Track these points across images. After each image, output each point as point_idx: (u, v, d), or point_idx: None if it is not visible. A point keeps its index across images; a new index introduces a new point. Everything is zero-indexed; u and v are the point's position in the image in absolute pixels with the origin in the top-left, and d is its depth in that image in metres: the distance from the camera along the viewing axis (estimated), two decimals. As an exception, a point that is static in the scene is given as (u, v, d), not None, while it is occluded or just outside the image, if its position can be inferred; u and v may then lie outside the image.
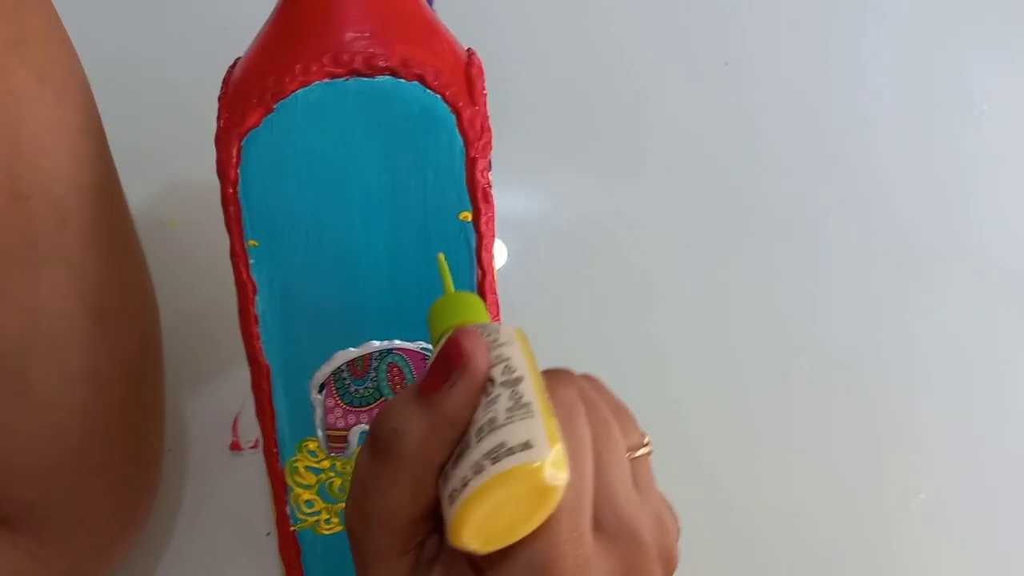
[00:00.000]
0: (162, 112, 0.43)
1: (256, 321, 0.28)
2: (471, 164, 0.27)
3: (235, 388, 0.42)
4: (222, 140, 0.27)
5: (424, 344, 0.29)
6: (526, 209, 0.44)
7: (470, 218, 0.27)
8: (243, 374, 0.41)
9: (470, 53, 0.29)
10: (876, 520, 0.40)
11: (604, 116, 0.46)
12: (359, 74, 0.26)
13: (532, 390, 0.20)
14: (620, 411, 0.24)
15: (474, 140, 0.27)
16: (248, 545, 0.40)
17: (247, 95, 0.26)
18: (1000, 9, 0.47)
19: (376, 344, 0.29)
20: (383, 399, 0.29)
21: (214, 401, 0.41)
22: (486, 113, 0.27)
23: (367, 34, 0.26)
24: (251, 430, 0.41)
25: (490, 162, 0.28)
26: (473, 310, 0.23)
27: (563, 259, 0.44)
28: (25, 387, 0.29)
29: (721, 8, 0.47)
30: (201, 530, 0.40)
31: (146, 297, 0.34)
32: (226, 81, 0.28)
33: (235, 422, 0.41)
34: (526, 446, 0.19)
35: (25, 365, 0.29)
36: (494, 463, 0.19)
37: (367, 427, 0.30)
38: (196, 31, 0.44)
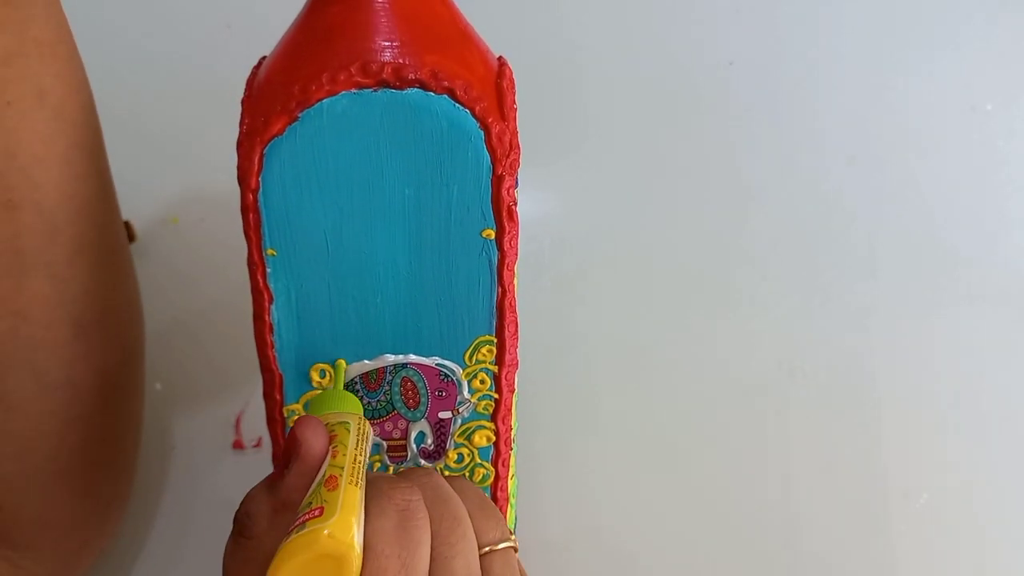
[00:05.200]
0: (166, 110, 0.43)
1: (271, 330, 0.28)
2: (497, 181, 0.26)
3: (238, 387, 0.41)
4: (244, 146, 0.26)
5: (440, 360, 0.28)
6: (529, 210, 0.43)
7: (493, 236, 0.27)
8: (246, 373, 0.41)
9: (501, 63, 0.28)
10: (878, 521, 0.40)
11: (607, 116, 0.45)
12: (387, 85, 0.25)
13: (344, 470, 0.23)
14: (483, 508, 0.26)
15: (502, 157, 0.26)
16: None
17: (271, 101, 0.25)
18: (1007, 9, 0.46)
19: (391, 358, 0.28)
20: (395, 412, 0.29)
21: (218, 399, 0.41)
22: (515, 129, 0.27)
23: (397, 43, 0.25)
24: (254, 429, 0.41)
25: (517, 179, 0.27)
26: (339, 402, 0.27)
27: (567, 260, 0.43)
28: (1, 392, 0.30)
29: (724, 7, 0.46)
30: (204, 528, 0.39)
31: (130, 309, 0.34)
32: (249, 83, 0.27)
33: (238, 421, 0.41)
34: (321, 515, 0.21)
35: (3, 370, 0.29)
36: (298, 530, 0.21)
37: (378, 439, 0.29)
38: (200, 29, 0.44)
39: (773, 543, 0.40)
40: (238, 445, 0.41)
